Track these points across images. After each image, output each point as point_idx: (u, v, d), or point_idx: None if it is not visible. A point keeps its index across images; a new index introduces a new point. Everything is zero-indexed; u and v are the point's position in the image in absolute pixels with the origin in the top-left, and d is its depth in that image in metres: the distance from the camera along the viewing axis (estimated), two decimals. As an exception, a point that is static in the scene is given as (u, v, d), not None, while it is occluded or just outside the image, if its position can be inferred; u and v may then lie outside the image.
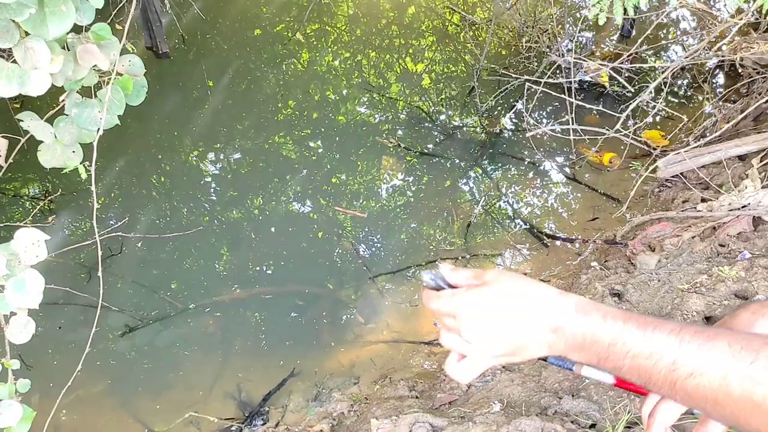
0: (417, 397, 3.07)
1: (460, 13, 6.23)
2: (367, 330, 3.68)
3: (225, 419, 3.24)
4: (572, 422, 2.57)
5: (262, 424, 3.21)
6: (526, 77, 3.84)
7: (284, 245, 4.24)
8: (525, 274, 3.86)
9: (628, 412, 2.49)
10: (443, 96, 5.71)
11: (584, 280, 3.51)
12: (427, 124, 5.31)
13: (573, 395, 2.71)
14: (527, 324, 0.83)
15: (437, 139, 5.13)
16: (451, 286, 0.91)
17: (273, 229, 4.37)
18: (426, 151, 4.98)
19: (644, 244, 3.58)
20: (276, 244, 4.26)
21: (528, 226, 4.27)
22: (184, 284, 3.93)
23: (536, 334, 0.83)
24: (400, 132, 5.20)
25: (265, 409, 3.29)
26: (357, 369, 3.49)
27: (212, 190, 4.70)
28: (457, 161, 4.92)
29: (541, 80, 3.92)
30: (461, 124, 5.35)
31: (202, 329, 3.68)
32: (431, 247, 4.24)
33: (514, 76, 4.02)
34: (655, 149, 4.27)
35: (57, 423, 3.00)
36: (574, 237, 4.12)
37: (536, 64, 5.06)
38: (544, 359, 0.95)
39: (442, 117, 5.45)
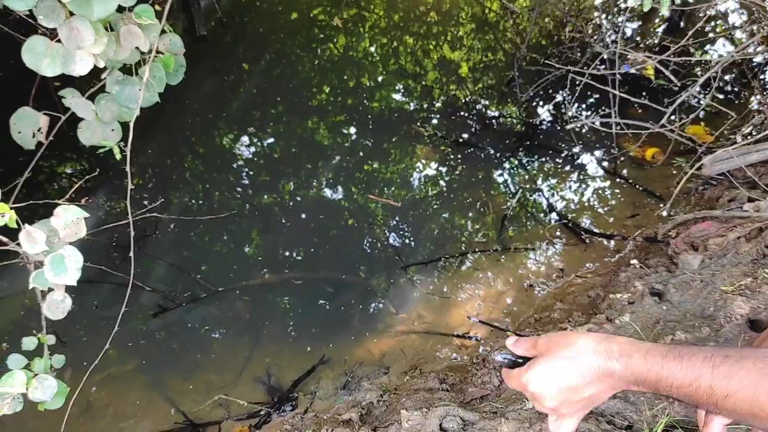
0: (447, 390, 3.03)
1: (500, 0, 6.10)
2: (397, 320, 3.64)
3: (254, 403, 3.24)
4: (608, 423, 2.50)
5: (291, 410, 3.19)
6: (570, 67, 3.72)
7: (315, 231, 4.21)
8: (561, 269, 3.79)
9: (667, 415, 2.41)
10: (480, 85, 5.61)
11: (623, 277, 3.42)
12: (462, 114, 5.23)
13: (609, 396, 2.63)
14: (586, 382, 0.98)
15: (473, 129, 5.04)
16: (520, 357, 1.10)
17: (303, 215, 4.35)
18: (461, 140, 4.89)
19: (687, 243, 3.46)
20: (306, 230, 4.23)
21: (564, 221, 4.17)
22: (215, 267, 3.93)
23: (597, 386, 0.98)
24: (434, 121, 5.13)
25: (294, 395, 3.28)
26: (387, 359, 3.45)
27: (244, 173, 4.69)
28: (493, 152, 4.83)
29: (584, 71, 3.80)
30: (498, 115, 5.26)
31: (233, 312, 3.68)
32: (463, 239, 4.17)
33: (557, 66, 3.90)
34: (700, 146, 4.13)
35: (90, 399, 3.03)
36: (613, 233, 4.01)
37: (579, 54, 4.93)
38: None
39: (479, 106, 5.36)
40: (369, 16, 6.28)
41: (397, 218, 4.29)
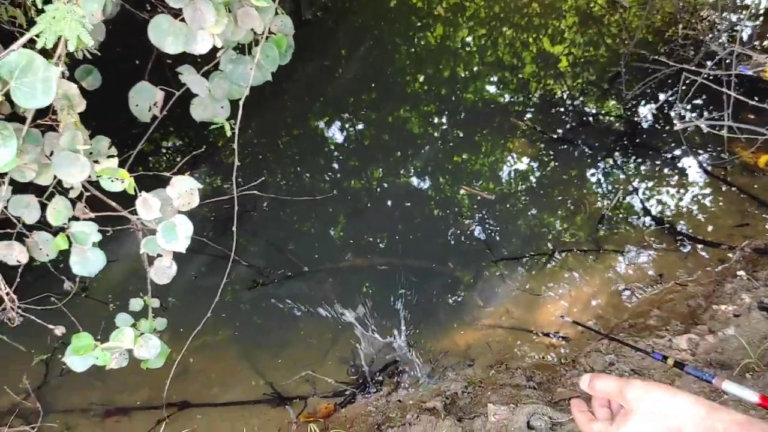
0: (534, 388, 2.97)
1: (607, -6, 5.89)
2: (485, 313, 3.60)
3: (340, 382, 3.30)
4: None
5: (375, 392, 3.23)
6: (684, 66, 3.54)
7: (402, 219, 4.23)
8: (660, 275, 3.63)
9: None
10: (580, 81, 5.44)
11: (728, 289, 3.24)
12: (559, 109, 5.09)
13: (709, 410, 2.50)
14: None
15: (569, 125, 4.91)
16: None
17: (391, 202, 4.37)
18: (557, 136, 4.77)
19: (802, 257, 3.24)
20: (394, 217, 4.25)
21: (663, 225, 3.99)
22: (306, 247, 4.02)
23: None
24: (529, 114, 5.02)
25: (379, 379, 3.31)
26: (472, 351, 3.43)
27: (337, 158, 4.76)
28: (589, 150, 4.68)
29: (699, 70, 3.60)
30: (596, 112, 5.09)
31: (321, 293, 3.76)
32: (554, 237, 4.08)
33: (671, 63, 3.72)
34: (821, 155, 3.85)
35: (186, 364, 3.18)
36: (718, 242, 3.80)
37: (692, 52, 4.69)
38: (681, 368, 0.95)
39: (576, 102, 5.21)
40: (469, 6, 6.21)
41: (486, 211, 4.24)
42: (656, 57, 4.45)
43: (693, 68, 3.68)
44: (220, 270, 3.66)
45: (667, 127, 4.72)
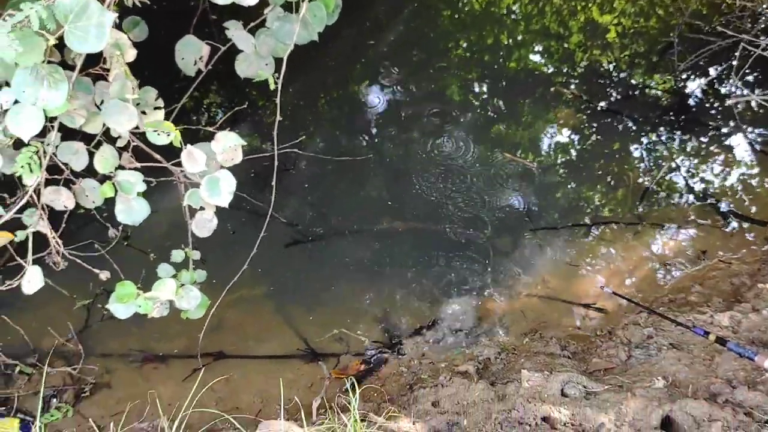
0: (569, 358, 2.96)
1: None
2: (521, 282, 3.58)
3: (373, 342, 3.32)
4: (746, 414, 2.34)
5: (407, 354, 3.25)
6: (742, 36, 3.40)
7: (440, 184, 4.19)
8: (702, 252, 3.55)
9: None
10: (628, 52, 5.28)
11: (775, 268, 3.16)
12: (605, 80, 4.97)
13: (749, 386, 2.46)
14: None
15: (614, 98, 4.79)
16: None
17: (429, 167, 4.33)
18: (603, 107, 4.66)
19: None
20: (432, 182, 4.21)
21: (708, 202, 3.89)
22: (344, 207, 4.02)
23: None
24: (572, 86, 4.91)
25: (412, 341, 3.33)
26: (506, 318, 3.42)
27: (375, 121, 4.73)
28: (635, 122, 4.57)
29: (757, 41, 3.46)
30: (644, 84, 4.95)
31: (357, 253, 3.77)
32: (596, 209, 4.01)
33: (730, 33, 3.57)
34: None
35: (222, 317, 3.23)
36: (766, 221, 3.69)
37: (750, 24, 4.50)
38: (723, 344, 0.88)
39: (623, 74, 5.07)
40: (516, -29, 6.05)
41: (526, 180, 4.18)
42: (711, 28, 4.29)
43: (750, 38, 3.53)
44: (257, 226, 3.68)
45: (717, 103, 4.57)
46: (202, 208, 2.80)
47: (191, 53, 2.73)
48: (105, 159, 2.50)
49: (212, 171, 2.57)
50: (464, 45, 5.48)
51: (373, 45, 5.32)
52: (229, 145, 2.55)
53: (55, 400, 3.03)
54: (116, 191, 2.55)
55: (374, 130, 4.65)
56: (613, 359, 2.87)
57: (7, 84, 2.10)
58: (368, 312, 3.47)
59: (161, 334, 3.33)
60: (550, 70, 5.14)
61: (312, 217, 3.94)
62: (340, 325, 3.38)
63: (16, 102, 2.06)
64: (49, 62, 2.07)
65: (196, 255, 2.90)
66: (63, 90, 2.04)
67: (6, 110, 2.09)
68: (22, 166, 2.32)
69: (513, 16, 5.73)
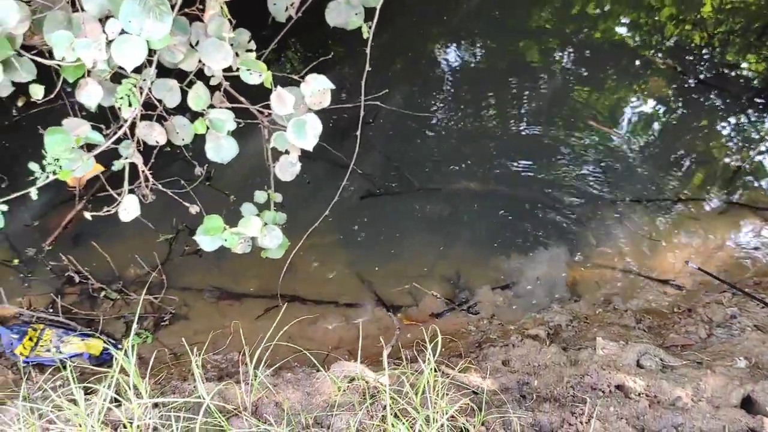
0: (644, 331, 2.90)
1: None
2: (597, 252, 3.50)
3: (444, 298, 3.33)
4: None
5: (476, 314, 3.25)
6: None
7: (520, 149, 4.12)
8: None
9: None
10: (723, 28, 5.03)
11: None
12: (696, 57, 4.75)
13: (839, 376, 2.36)
14: None
15: (705, 74, 4.58)
16: None
17: (510, 130, 4.26)
18: (697, 81, 4.46)
19: None
20: (511, 145, 4.15)
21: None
22: (422, 165, 4.01)
23: None
24: (658, 59, 4.72)
25: (482, 300, 3.32)
26: (579, 287, 3.37)
27: (457, 81, 4.67)
28: (727, 101, 4.36)
29: None
30: (737, 64, 4.71)
31: (431, 211, 3.76)
32: (682, 185, 3.86)
33: None
34: None
35: (294, 262, 3.28)
36: None
37: None
38: None
39: (716, 52, 4.83)
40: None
41: (609, 149, 4.07)
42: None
43: None
44: (333, 176, 3.73)
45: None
46: (286, 152, 2.84)
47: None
48: (198, 96, 2.55)
49: (300, 114, 2.60)
50: (549, 12, 5.33)
51: (458, 5, 5.23)
52: (318, 88, 2.57)
53: (136, 326, 3.17)
54: (207, 129, 2.62)
55: (453, 90, 4.59)
56: (691, 336, 2.80)
57: (110, 17, 2.17)
58: (439, 269, 3.47)
59: (237, 273, 3.43)
60: (637, 43, 4.95)
61: (388, 172, 3.95)
62: (411, 279, 3.40)
63: (121, 32, 2.12)
64: (157, -7, 2.12)
65: (278, 197, 2.96)
66: (167, 22, 2.08)
67: (111, 41, 2.16)
68: (121, 98, 2.39)
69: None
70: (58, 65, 2.20)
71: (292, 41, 5.00)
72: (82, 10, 2.26)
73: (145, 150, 2.65)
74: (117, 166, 2.65)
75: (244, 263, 3.37)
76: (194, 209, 2.77)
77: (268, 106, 2.69)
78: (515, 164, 4.01)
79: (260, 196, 2.90)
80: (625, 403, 2.26)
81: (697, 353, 2.62)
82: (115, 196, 2.71)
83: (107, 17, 2.19)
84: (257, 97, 2.71)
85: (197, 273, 3.43)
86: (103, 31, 2.15)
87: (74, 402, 2.02)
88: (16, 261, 3.42)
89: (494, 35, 5.04)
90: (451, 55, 4.90)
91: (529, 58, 4.87)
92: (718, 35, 4.97)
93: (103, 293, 3.28)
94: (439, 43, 4.98)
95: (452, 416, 2.00)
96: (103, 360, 2.93)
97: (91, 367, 2.56)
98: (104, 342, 2.99)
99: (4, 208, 2.33)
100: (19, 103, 3.92)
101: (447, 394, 2.06)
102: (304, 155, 3.89)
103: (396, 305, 3.32)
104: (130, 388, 1.98)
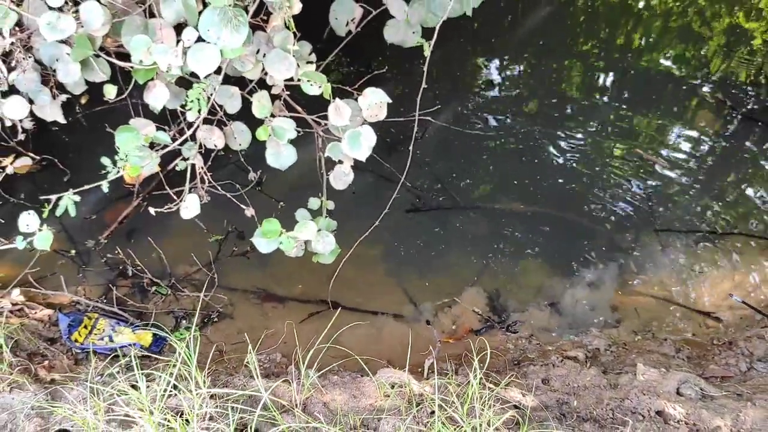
0: (684, 360, 2.91)
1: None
2: (637, 280, 3.52)
3: (484, 315, 3.38)
4: None
5: (515, 333, 3.29)
6: None
7: (563, 172, 4.18)
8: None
9: None
10: (772, 63, 5.04)
11: None
12: (742, 91, 4.76)
13: None
14: None
15: (752, 107, 4.60)
16: None
17: (558, 154, 4.31)
18: (745, 115, 4.48)
19: None
20: (556, 169, 4.20)
21: None
22: (468, 182, 4.09)
23: None
24: (706, 88, 4.75)
25: (521, 320, 3.36)
26: (619, 313, 3.39)
27: (506, 101, 4.75)
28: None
29: None
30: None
31: (474, 228, 3.82)
32: (724, 217, 3.87)
33: None
34: None
35: (337, 270, 3.36)
36: None
37: None
38: None
39: (762, 87, 4.84)
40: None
41: (655, 178, 4.10)
42: None
43: None
44: (379, 188, 3.82)
45: None
46: (340, 162, 2.93)
47: (345, 14, 2.85)
48: (262, 105, 2.66)
49: (355, 126, 2.69)
50: (593, 39, 5.39)
51: (509, 25, 5.32)
52: (375, 101, 2.65)
53: (184, 321, 3.28)
54: (269, 136, 2.72)
55: (500, 110, 4.67)
56: (731, 368, 2.81)
57: (185, 25, 2.29)
58: (480, 286, 3.52)
59: (281, 277, 3.52)
60: (683, 72, 4.98)
61: (435, 186, 4.03)
62: (451, 294, 3.46)
63: (198, 40, 2.24)
64: (235, 5, 2.23)
65: (330, 205, 3.05)
66: (243, 33, 2.19)
67: (188, 48, 2.28)
68: (192, 101, 2.51)
69: (651, 11, 5.57)
70: (131, 67, 2.32)
71: (339, 54, 5.12)
72: (160, 16, 2.39)
73: (203, 153, 2.77)
74: (181, 166, 2.77)
75: (288, 268, 3.46)
76: (250, 212, 2.87)
77: (323, 117, 2.80)
78: (560, 187, 4.05)
79: (314, 202, 3.00)
80: (665, 428, 2.29)
81: (737, 385, 2.63)
82: (172, 194, 2.83)
83: (180, 24, 2.31)
84: (310, 107, 2.82)
85: (243, 274, 3.53)
86: (179, 39, 2.27)
87: (135, 387, 2.12)
88: (73, 252, 3.57)
89: (542, 60, 5.12)
90: (499, 77, 4.98)
91: (576, 84, 4.93)
92: (766, 69, 4.98)
93: (154, 288, 3.39)
94: (487, 65, 5.07)
95: (497, 428, 2.05)
96: (152, 351, 3.03)
97: (154, 355, 2.67)
98: (153, 335, 3.09)
99: (77, 198, 2.46)
100: (82, 101, 4.09)
101: (493, 406, 2.11)
102: (352, 166, 3.99)
103: (436, 319, 3.37)
104: (189, 379, 2.07)
